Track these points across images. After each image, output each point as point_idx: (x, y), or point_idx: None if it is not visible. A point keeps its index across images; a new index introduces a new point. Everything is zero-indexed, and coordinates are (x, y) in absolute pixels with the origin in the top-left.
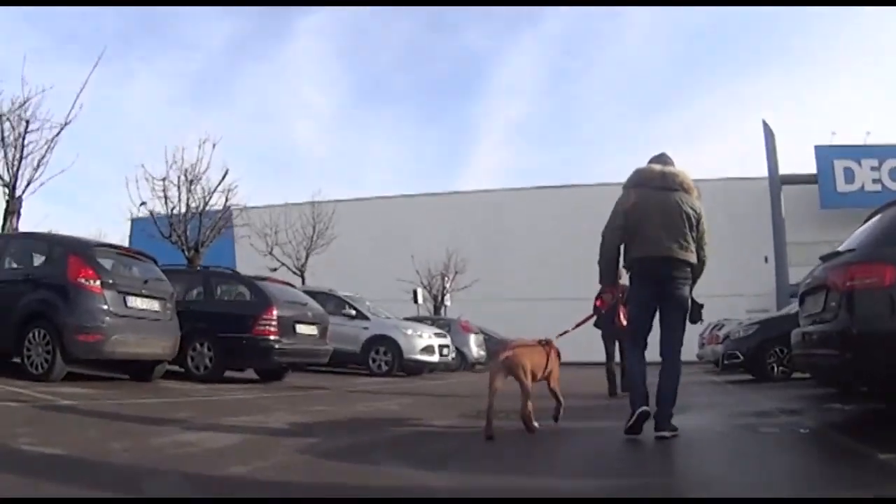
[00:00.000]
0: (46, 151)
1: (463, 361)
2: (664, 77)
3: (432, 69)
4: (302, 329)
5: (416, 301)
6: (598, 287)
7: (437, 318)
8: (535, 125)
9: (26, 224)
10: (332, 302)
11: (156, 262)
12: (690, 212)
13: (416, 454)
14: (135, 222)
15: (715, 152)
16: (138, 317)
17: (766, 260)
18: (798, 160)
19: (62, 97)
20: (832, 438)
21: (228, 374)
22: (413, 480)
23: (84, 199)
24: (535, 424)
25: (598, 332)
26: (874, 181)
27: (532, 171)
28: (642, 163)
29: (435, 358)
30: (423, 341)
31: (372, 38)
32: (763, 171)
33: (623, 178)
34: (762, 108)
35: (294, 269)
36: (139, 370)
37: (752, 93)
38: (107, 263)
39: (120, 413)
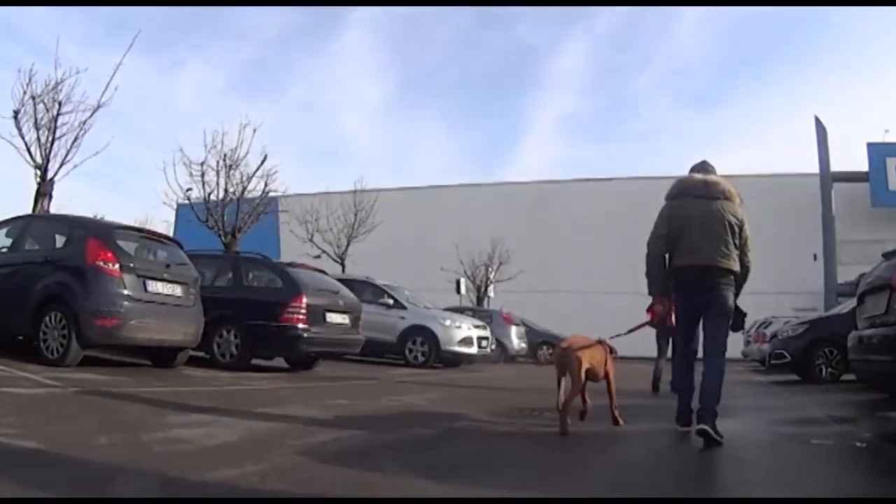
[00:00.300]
0: (79, 134)
1: (503, 353)
2: (716, 73)
3: (482, 62)
4: (332, 318)
5: (458, 291)
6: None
7: (478, 309)
8: (585, 119)
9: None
10: (369, 290)
11: (181, 246)
12: (732, 219)
13: (429, 460)
14: (180, 208)
15: (767, 149)
16: (159, 302)
17: (815, 258)
18: (850, 158)
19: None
20: (892, 454)
21: (258, 362)
22: (415, 493)
23: (133, 185)
24: (569, 423)
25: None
26: None
27: (581, 165)
28: (693, 158)
29: (473, 350)
30: (462, 332)
31: (423, 30)
32: (813, 168)
33: (675, 172)
34: (815, 104)
35: (335, 257)
36: (161, 356)
37: (805, 89)
38: (128, 247)
39: (126, 402)
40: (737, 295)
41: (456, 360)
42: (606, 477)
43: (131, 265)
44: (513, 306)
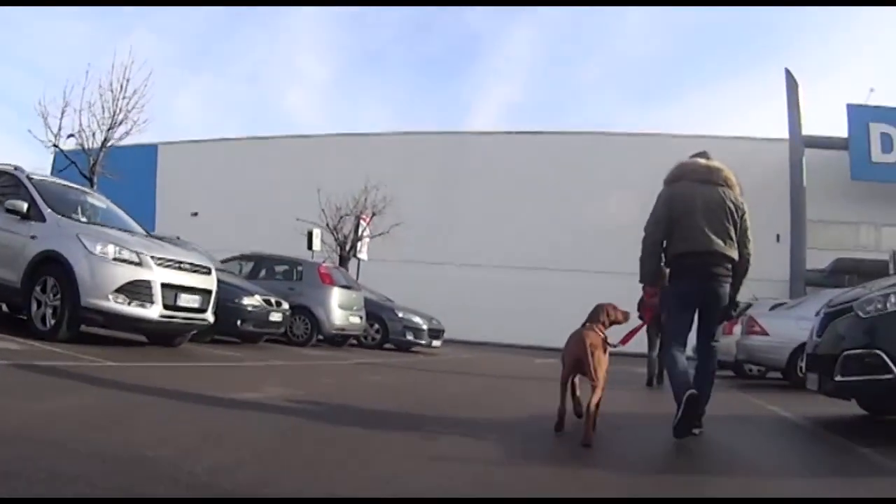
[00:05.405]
0: None
1: (314, 330)
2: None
3: (428, 44)
4: None
5: (310, 247)
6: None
7: (277, 257)
8: (529, 108)
9: None
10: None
11: None
12: (733, 207)
13: None
14: None
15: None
16: None
17: (777, 239)
18: (827, 123)
19: None
20: None
21: None
22: None
23: None
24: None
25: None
26: None
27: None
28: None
29: (151, 312)
30: (127, 273)
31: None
32: (783, 133)
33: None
34: (787, 60)
35: (83, 171)
36: None
37: (777, 43)
38: None
39: None
40: (735, 288)
41: (167, 334)
42: None
43: None
44: (389, 276)
